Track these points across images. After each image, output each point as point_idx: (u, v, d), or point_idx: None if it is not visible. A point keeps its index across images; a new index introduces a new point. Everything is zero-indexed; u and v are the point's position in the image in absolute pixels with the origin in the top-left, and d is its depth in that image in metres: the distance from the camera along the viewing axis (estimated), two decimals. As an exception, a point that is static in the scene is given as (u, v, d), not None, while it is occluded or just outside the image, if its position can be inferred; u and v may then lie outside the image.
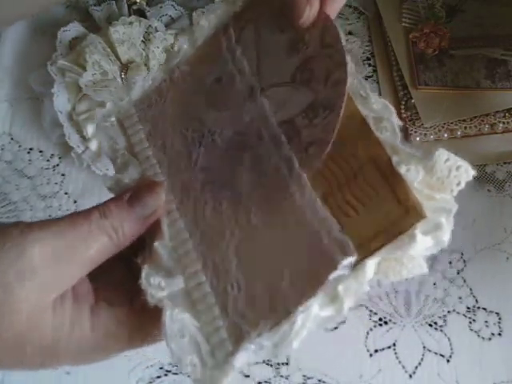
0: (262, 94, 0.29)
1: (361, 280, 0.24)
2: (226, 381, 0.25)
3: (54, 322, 0.27)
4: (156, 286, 0.27)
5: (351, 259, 0.23)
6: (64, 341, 0.27)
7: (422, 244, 0.23)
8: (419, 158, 0.24)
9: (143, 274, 0.27)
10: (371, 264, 0.24)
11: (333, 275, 0.23)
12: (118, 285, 0.30)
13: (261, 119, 0.29)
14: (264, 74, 0.29)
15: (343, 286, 0.24)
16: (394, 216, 0.23)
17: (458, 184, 0.24)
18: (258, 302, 0.25)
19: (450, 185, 0.24)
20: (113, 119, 0.33)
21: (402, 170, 0.24)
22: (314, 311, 0.24)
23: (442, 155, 0.23)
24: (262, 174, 0.28)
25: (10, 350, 0.27)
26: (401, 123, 0.25)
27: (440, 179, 0.23)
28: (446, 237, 0.23)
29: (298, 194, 0.26)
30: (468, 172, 0.24)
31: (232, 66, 0.31)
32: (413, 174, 0.23)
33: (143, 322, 0.28)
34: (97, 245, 0.27)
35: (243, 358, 0.25)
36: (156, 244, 0.28)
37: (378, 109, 0.26)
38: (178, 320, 0.26)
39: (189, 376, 0.26)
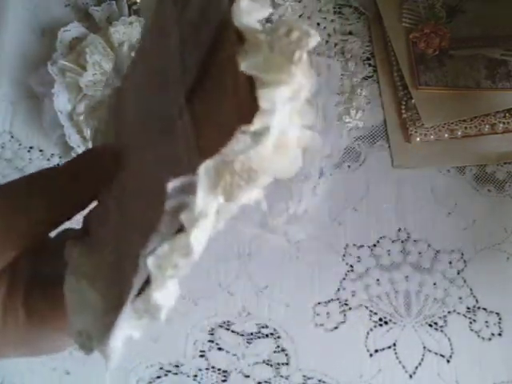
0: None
1: (197, 203, 0.18)
2: (111, 353, 0.22)
3: None
4: (75, 257, 0.25)
5: (182, 179, 0.18)
6: None
7: (244, 143, 0.17)
8: (265, 32, 0.18)
9: (67, 245, 0.25)
10: (201, 184, 0.18)
11: (169, 203, 0.19)
12: (55, 268, 0.26)
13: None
14: None
15: (186, 215, 0.19)
16: (232, 114, 0.18)
17: (300, 57, 0.17)
18: (130, 259, 0.21)
19: (290, 60, 0.17)
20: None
21: (243, 54, 0.18)
22: (166, 254, 0.20)
23: (282, 23, 0.18)
24: (156, 108, 0.23)
25: None
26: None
27: (281, 55, 0.18)
28: (275, 123, 0.17)
29: (180, 125, 0.20)
30: (308, 37, 0.17)
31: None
32: (251, 56, 0.18)
33: None
34: (30, 213, 0.24)
35: (125, 326, 0.22)
36: (87, 214, 0.26)
37: None
38: (77, 288, 0.23)
39: (80, 348, 0.24)
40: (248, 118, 0.17)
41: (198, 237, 0.19)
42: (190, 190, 0.18)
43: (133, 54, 0.30)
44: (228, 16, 0.19)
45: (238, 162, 0.18)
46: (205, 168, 0.18)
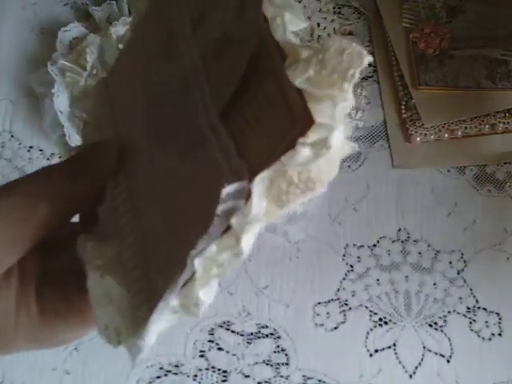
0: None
1: (249, 210, 0.20)
2: (145, 346, 0.23)
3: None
4: (89, 251, 0.25)
5: (235, 186, 0.19)
6: (11, 326, 0.25)
7: (306, 155, 0.19)
8: (312, 48, 0.20)
9: (78, 240, 0.26)
10: (256, 190, 0.20)
11: (221, 208, 0.20)
12: (66, 259, 0.27)
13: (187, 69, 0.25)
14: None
15: (237, 220, 0.20)
16: (284, 126, 0.19)
17: (352, 75, 0.19)
18: (169, 255, 0.22)
19: (343, 78, 0.19)
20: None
21: (291, 70, 0.19)
22: (213, 254, 0.21)
23: (333, 42, 0.19)
24: (181, 122, 0.24)
25: None
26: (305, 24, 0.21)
27: (332, 72, 0.19)
28: (335, 140, 0.19)
29: (214, 139, 0.22)
30: (361, 57, 0.19)
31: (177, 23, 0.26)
32: (300, 72, 0.19)
33: None
34: (38, 211, 0.24)
35: (159, 320, 0.23)
36: (99, 208, 0.26)
37: (278, 2, 0.21)
38: (102, 283, 0.24)
39: (111, 344, 0.24)
40: (304, 131, 0.18)
41: (248, 239, 0.20)
42: (240, 195, 0.20)
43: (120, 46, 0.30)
44: (266, 32, 0.20)
45: (295, 171, 0.19)
46: (261, 177, 0.19)
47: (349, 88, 0.19)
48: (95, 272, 0.24)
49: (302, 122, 0.18)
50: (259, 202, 0.20)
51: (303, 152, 0.19)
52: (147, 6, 0.28)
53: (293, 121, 0.19)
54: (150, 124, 0.26)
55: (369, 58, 0.19)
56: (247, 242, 0.21)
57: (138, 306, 0.23)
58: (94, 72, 0.32)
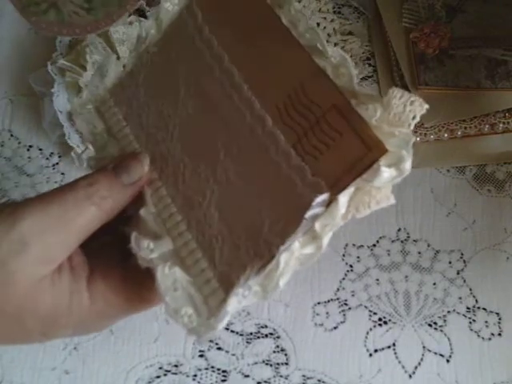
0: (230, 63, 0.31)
1: (335, 215, 0.25)
2: (220, 326, 0.26)
3: (53, 294, 0.28)
4: (145, 248, 0.28)
5: (323, 197, 0.25)
6: (64, 312, 0.28)
7: (386, 175, 0.24)
8: (376, 97, 0.26)
9: (132, 239, 0.29)
10: (342, 199, 0.25)
11: (308, 214, 0.25)
12: (110, 255, 0.31)
13: (229, 84, 0.30)
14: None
15: (320, 223, 0.26)
16: (358, 154, 0.25)
17: (414, 118, 0.25)
18: (242, 249, 0.27)
19: (407, 119, 0.25)
20: (90, 106, 0.36)
21: (361, 110, 0.25)
22: (296, 250, 0.26)
23: (396, 92, 0.25)
24: (236, 134, 0.29)
25: (11, 323, 0.28)
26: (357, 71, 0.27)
27: (397, 115, 0.25)
28: (407, 166, 0.25)
29: (273, 148, 0.27)
30: (422, 105, 0.25)
31: (200, 43, 0.32)
32: (371, 112, 0.25)
33: (138, 288, 0.29)
34: (85, 213, 0.28)
35: (235, 303, 0.26)
36: (141, 211, 0.30)
37: (335, 60, 0.27)
38: (169, 274, 0.27)
39: (184, 327, 0.27)
40: (378, 157, 0.24)
41: (327, 239, 0.26)
42: (324, 204, 0.25)
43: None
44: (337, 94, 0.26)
45: (373, 187, 0.25)
46: (348, 191, 0.25)
47: (412, 126, 0.25)
48: (164, 264, 0.28)
49: (377, 150, 0.24)
50: (343, 209, 0.25)
51: (385, 173, 0.24)
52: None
53: (368, 149, 0.24)
54: (185, 138, 0.31)
55: (426, 106, 0.25)
56: (326, 241, 0.26)
57: (211, 292, 0.27)
58: (95, 86, 0.35)
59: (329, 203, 0.25)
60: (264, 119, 0.28)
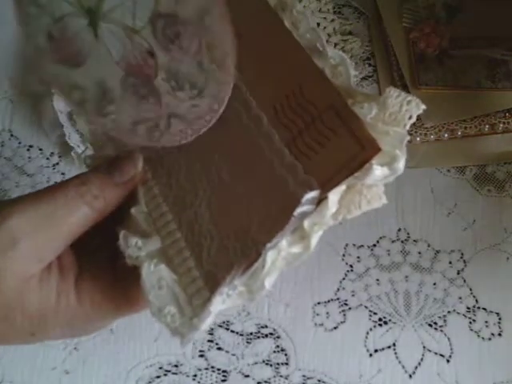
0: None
1: (324, 214, 0.25)
2: (203, 327, 0.26)
3: (40, 293, 0.27)
4: (133, 245, 0.28)
5: (313, 194, 0.24)
6: (51, 312, 0.28)
7: (378, 173, 0.24)
8: (373, 96, 0.25)
9: (120, 236, 0.28)
10: (333, 197, 0.25)
11: (297, 211, 0.24)
12: (99, 256, 0.30)
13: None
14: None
15: (309, 221, 0.25)
16: (352, 152, 0.24)
17: (410, 118, 0.25)
18: (231, 248, 0.26)
19: (403, 119, 0.24)
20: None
21: (357, 108, 0.25)
22: (283, 249, 0.25)
23: (393, 91, 0.25)
24: (231, 134, 0.29)
25: (0, 320, 0.27)
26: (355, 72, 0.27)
27: (392, 114, 0.25)
28: (401, 165, 0.24)
29: (267, 148, 0.27)
30: (418, 105, 0.25)
31: None
32: (367, 111, 0.24)
33: (127, 290, 0.29)
34: (76, 212, 0.28)
35: (219, 302, 0.26)
36: (132, 210, 0.30)
37: (334, 61, 0.27)
38: (155, 272, 0.27)
39: (167, 326, 0.26)
40: (372, 156, 0.24)
41: (315, 239, 0.25)
42: (314, 202, 0.25)
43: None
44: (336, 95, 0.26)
45: (364, 186, 0.25)
46: (339, 189, 0.25)
47: (407, 126, 0.24)
48: (150, 261, 0.27)
49: (371, 148, 0.24)
50: (333, 208, 0.25)
51: (378, 171, 0.24)
52: None
53: (361, 148, 0.24)
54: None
55: (423, 107, 0.24)
56: (314, 240, 0.25)
57: (196, 292, 0.27)
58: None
59: (319, 202, 0.25)
60: (261, 119, 0.28)
